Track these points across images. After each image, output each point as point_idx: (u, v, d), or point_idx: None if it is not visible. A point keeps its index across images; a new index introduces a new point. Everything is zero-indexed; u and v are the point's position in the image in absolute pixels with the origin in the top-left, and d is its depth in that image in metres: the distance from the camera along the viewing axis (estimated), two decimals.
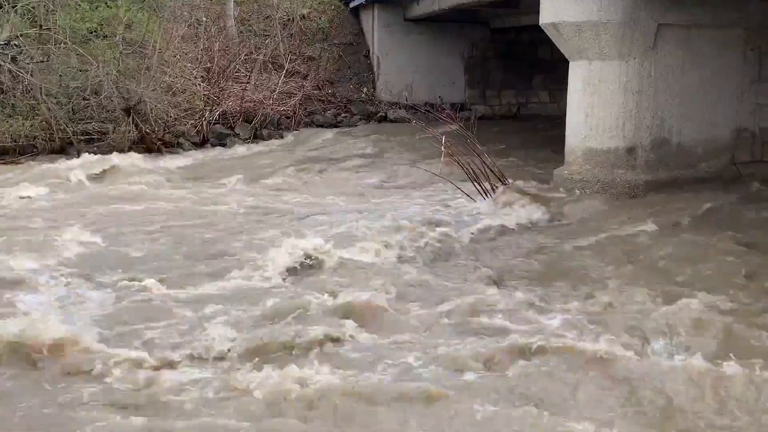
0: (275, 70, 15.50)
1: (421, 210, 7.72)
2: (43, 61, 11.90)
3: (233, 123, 13.52)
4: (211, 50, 14.50)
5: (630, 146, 8.25)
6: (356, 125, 15.29)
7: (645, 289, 5.09)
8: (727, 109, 8.82)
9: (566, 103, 8.72)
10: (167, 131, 12.43)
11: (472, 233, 6.66)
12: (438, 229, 6.68)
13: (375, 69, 16.82)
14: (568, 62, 8.62)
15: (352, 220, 7.22)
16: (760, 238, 6.34)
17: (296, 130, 14.30)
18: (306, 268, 5.57)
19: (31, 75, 11.46)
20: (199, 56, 14.19)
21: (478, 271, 5.64)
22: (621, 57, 8.08)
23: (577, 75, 8.47)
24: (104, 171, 9.97)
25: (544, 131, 13.82)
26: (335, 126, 15.09)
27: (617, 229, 6.74)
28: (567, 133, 8.69)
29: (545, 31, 8.57)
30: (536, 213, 7.28)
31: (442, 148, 8.50)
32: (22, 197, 8.24)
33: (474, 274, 5.53)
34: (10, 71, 11.44)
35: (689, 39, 8.40)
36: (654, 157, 8.34)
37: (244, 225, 7.11)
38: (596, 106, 8.30)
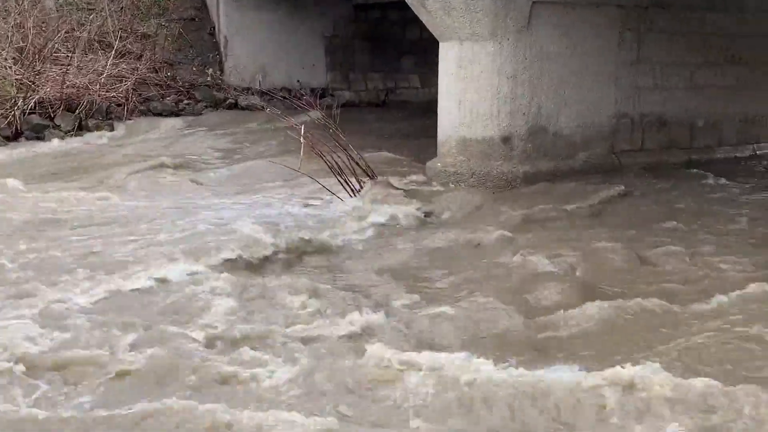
0: (103, 50, 14.84)
1: (269, 212, 7.51)
2: None
3: (53, 112, 12.84)
4: (23, 27, 13.69)
5: (506, 135, 8.52)
6: (201, 113, 14.92)
7: (414, 295, 5.29)
8: (606, 93, 9.29)
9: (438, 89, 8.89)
10: None
11: (319, 237, 6.53)
12: (282, 234, 6.46)
13: (222, 49, 16.49)
14: (438, 43, 8.78)
15: (170, 231, 6.63)
16: (585, 237, 6.65)
17: (130, 119, 13.76)
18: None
19: None
20: (10, 34, 13.36)
21: (278, 283, 5.43)
22: (494, 37, 8.32)
23: (448, 57, 8.64)
24: None
25: (416, 119, 14.06)
26: (177, 114, 14.66)
27: (472, 229, 6.90)
28: (439, 121, 8.85)
29: (412, 8, 8.69)
30: (405, 211, 7.33)
31: (302, 140, 8.41)
32: None
33: (275, 287, 5.33)
34: None
35: (565, 18, 8.77)
36: (531, 146, 8.66)
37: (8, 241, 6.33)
38: (469, 91, 8.51)
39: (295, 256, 6.24)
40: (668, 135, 10.02)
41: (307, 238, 6.50)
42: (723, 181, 9.07)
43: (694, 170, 9.53)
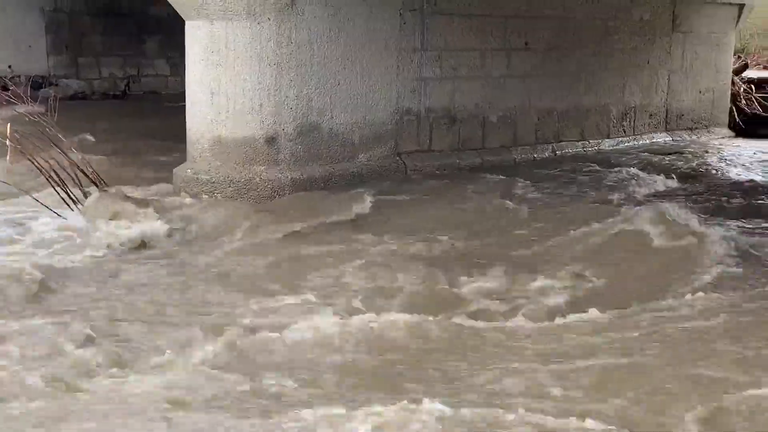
0: None
1: None
2: None
3: None
4: None
5: (271, 135, 8.51)
6: None
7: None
8: (386, 85, 9.55)
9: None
10: None
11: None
12: None
13: None
14: None
15: None
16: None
17: None
18: None
19: None
20: None
21: None
22: (252, 16, 8.30)
23: (196, 39, 8.53)
24: None
25: (164, 114, 13.89)
26: None
27: (211, 254, 6.87)
28: (188, 117, 8.73)
29: None
30: (136, 230, 7.08)
31: (8, 142, 8.03)
32: None
33: None
34: None
35: None
36: (301, 148, 8.70)
37: None
38: (224, 81, 8.44)
39: None
40: (459, 134, 10.47)
41: None
42: (513, 189, 9.46)
43: (486, 175, 9.91)
